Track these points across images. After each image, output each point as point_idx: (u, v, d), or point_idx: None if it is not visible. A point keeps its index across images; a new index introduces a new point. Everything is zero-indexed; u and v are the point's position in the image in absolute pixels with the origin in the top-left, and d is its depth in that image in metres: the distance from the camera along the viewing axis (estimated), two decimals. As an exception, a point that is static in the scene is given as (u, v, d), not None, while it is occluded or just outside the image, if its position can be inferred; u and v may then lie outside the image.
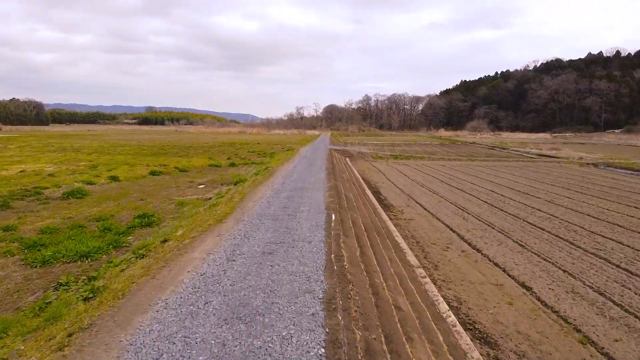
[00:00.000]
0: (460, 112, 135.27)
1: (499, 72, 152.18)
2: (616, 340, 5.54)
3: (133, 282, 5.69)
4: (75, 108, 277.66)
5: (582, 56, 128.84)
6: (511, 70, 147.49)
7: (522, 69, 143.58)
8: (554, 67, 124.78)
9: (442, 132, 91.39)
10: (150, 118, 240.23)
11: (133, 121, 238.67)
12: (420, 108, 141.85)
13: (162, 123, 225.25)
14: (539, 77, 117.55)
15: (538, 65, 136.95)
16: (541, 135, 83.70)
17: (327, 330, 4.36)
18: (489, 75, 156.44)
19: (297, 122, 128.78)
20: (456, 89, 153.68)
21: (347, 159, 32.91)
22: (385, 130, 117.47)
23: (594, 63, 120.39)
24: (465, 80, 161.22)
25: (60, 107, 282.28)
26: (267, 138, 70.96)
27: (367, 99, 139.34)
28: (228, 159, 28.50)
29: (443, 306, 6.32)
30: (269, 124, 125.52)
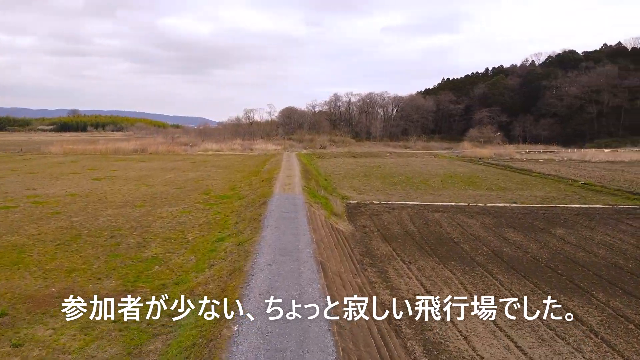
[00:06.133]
0: (451, 116, 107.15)
1: (489, 69, 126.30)
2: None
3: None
4: (17, 112, 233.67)
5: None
6: (505, 65, 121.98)
7: (520, 64, 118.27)
8: (570, 60, 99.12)
9: (470, 148, 57.97)
10: (70, 124, 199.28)
11: (49, 127, 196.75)
12: (395, 111, 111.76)
13: (84, 129, 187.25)
14: (562, 73, 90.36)
15: (542, 60, 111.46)
16: (630, 153, 54.60)
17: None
18: (477, 73, 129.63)
19: (245, 128, 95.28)
20: (441, 88, 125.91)
21: None
22: (365, 142, 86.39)
23: (620, 55, 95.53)
24: (449, 79, 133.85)
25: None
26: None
27: (335, 99, 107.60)
28: None
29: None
30: (204, 132, 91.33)
